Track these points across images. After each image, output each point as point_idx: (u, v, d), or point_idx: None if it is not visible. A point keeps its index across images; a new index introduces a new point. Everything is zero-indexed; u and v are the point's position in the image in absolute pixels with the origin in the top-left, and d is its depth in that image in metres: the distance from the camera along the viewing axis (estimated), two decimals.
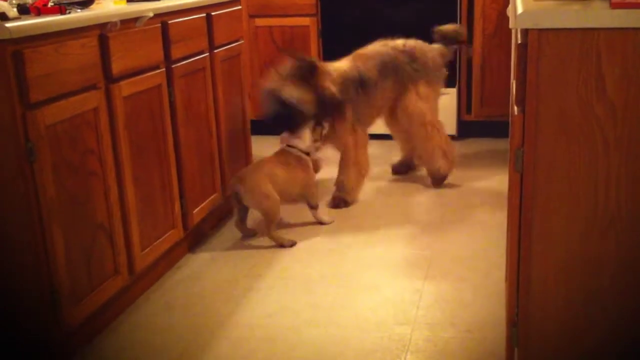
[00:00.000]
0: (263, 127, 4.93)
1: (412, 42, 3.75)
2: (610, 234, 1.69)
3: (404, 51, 3.69)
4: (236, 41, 3.45)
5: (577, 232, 1.70)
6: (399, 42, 3.74)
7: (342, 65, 3.54)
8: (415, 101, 3.70)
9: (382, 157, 4.27)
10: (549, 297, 1.76)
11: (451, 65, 4.58)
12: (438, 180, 3.82)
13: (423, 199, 3.65)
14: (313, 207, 3.34)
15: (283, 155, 3.29)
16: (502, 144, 4.46)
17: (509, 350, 1.92)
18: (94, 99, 2.32)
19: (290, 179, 3.21)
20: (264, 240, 3.22)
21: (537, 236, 1.73)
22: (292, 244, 3.11)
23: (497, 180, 3.88)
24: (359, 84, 3.52)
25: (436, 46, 3.84)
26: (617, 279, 1.71)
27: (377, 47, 3.68)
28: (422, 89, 3.71)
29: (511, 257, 1.85)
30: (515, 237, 1.80)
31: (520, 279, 1.79)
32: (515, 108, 1.78)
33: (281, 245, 3.10)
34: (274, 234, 3.11)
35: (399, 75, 3.66)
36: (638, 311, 1.72)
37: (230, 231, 3.37)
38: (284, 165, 3.21)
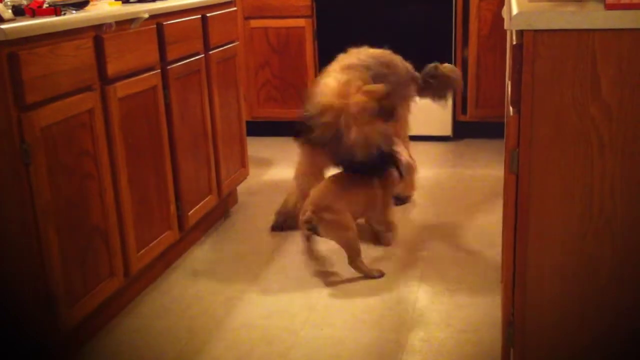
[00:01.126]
0: (262, 129, 4.91)
1: (381, 52, 3.35)
2: (606, 234, 1.69)
3: (382, 62, 3.29)
4: (231, 42, 3.45)
5: (572, 232, 1.71)
6: (372, 51, 3.33)
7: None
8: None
9: None
10: (545, 298, 1.77)
11: None
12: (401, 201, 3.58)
13: (418, 199, 3.65)
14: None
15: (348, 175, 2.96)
16: (497, 145, 4.47)
17: (505, 351, 1.92)
18: (89, 100, 2.32)
19: (365, 200, 2.94)
20: (259, 242, 3.22)
21: (533, 237, 1.73)
22: (381, 275, 2.81)
23: (493, 181, 3.88)
24: None
25: (406, 64, 3.46)
26: (612, 280, 1.72)
27: (361, 57, 3.24)
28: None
29: (507, 258, 1.86)
30: (511, 237, 1.80)
31: (516, 279, 1.79)
32: (511, 109, 1.78)
33: (371, 276, 2.80)
34: (360, 266, 2.82)
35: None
36: (633, 312, 1.73)
37: (225, 232, 3.37)
38: (355, 186, 2.91)
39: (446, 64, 3.60)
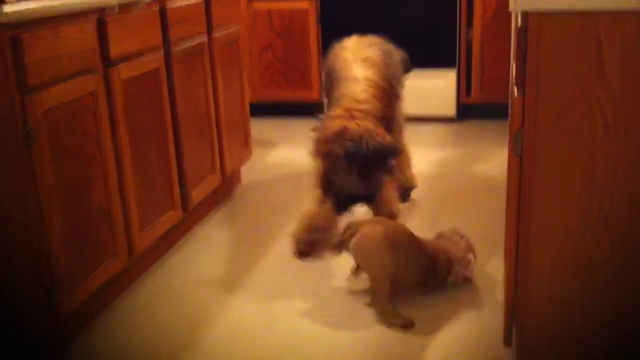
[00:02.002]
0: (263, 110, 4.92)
1: (377, 39, 3.17)
2: (609, 215, 1.69)
3: (386, 51, 3.12)
4: (234, 25, 3.44)
5: (575, 214, 1.71)
6: (372, 39, 3.15)
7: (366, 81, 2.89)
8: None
9: None
10: (545, 287, 1.77)
11: (451, 48, 4.58)
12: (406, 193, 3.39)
13: (422, 182, 3.65)
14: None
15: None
16: (501, 127, 4.46)
17: (507, 331, 1.93)
18: (92, 82, 2.31)
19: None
20: (262, 222, 3.23)
21: (536, 219, 1.74)
22: (408, 325, 2.34)
23: (497, 163, 3.88)
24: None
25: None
26: (612, 275, 1.72)
27: (375, 50, 3.05)
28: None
29: (509, 241, 1.86)
30: (514, 220, 1.80)
31: (518, 263, 1.79)
32: (515, 90, 1.78)
33: (398, 325, 2.34)
34: (384, 310, 2.39)
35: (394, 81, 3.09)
36: (633, 307, 1.73)
37: (229, 213, 3.37)
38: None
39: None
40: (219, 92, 3.27)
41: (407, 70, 3.38)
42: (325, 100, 3.29)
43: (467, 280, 2.55)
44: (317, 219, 2.80)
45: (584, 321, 1.77)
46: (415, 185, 3.44)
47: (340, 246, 2.45)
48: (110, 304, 2.57)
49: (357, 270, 2.58)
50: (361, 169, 2.66)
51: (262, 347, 2.28)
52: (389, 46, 3.20)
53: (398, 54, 3.26)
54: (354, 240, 2.37)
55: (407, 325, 2.31)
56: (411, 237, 2.45)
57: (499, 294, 2.49)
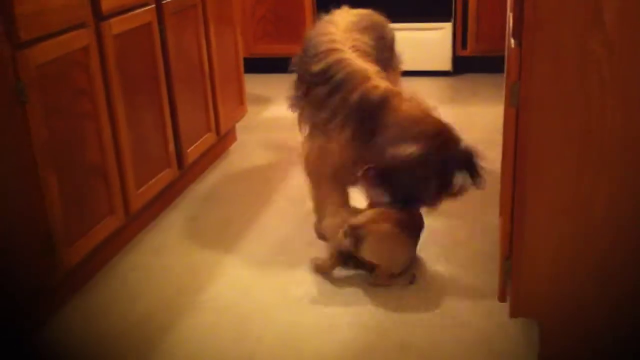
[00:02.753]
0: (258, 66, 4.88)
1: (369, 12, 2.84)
2: (604, 171, 1.69)
3: (377, 23, 2.80)
4: None
5: (571, 168, 1.71)
6: (359, 10, 2.80)
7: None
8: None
9: None
10: (542, 233, 1.78)
11: (447, 0, 4.52)
12: None
13: None
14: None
15: None
16: (497, 80, 4.43)
17: (502, 284, 1.95)
18: (83, 37, 2.28)
19: None
20: (259, 180, 3.23)
21: (532, 171, 1.73)
22: (410, 281, 2.35)
23: (493, 116, 3.86)
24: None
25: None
26: (608, 216, 1.72)
27: (363, 18, 2.72)
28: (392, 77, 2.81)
29: (505, 193, 1.86)
30: (510, 172, 1.80)
31: (514, 215, 1.80)
32: (512, 41, 1.76)
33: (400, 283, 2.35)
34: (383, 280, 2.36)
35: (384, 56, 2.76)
36: (627, 247, 1.74)
37: (225, 170, 3.37)
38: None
39: None
40: (212, 47, 3.23)
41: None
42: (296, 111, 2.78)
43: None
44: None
45: (579, 263, 1.78)
46: None
47: (350, 250, 2.32)
48: (109, 262, 2.58)
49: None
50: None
51: (257, 307, 2.30)
52: (382, 22, 2.83)
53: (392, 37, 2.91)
54: (367, 243, 2.28)
55: (412, 280, 2.34)
56: (409, 220, 2.37)
57: (494, 247, 2.51)
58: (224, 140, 3.55)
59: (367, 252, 2.30)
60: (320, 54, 2.49)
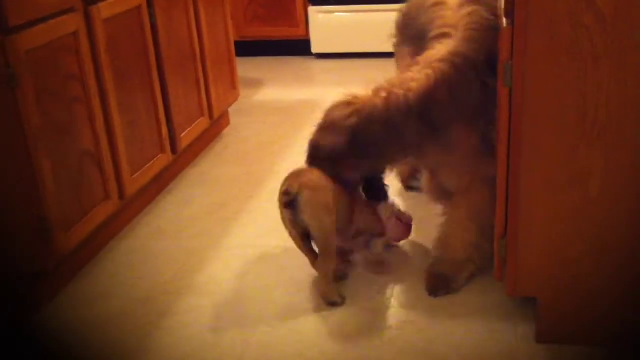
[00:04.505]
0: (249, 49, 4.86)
1: None
2: (599, 145, 1.69)
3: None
4: None
5: (566, 144, 1.71)
6: None
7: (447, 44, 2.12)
8: None
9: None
10: (537, 210, 1.78)
11: None
12: None
13: None
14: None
15: None
16: None
17: (498, 263, 1.95)
18: (72, 22, 2.26)
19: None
20: (253, 164, 3.22)
21: (526, 150, 1.74)
22: (338, 303, 2.16)
23: None
24: (482, 68, 2.07)
25: None
26: (603, 191, 1.73)
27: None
28: None
29: (500, 172, 1.86)
30: (505, 151, 1.80)
31: (509, 193, 1.80)
32: (504, 20, 1.75)
33: (327, 301, 2.16)
34: (323, 277, 2.16)
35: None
36: (623, 222, 1.75)
37: (219, 154, 3.36)
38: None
39: None
40: (203, 31, 3.21)
41: None
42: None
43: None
44: None
45: (575, 239, 1.78)
46: None
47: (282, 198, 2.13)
48: (105, 247, 2.58)
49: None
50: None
51: (253, 288, 2.30)
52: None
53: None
54: (302, 199, 2.09)
55: (340, 302, 2.14)
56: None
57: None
58: (217, 124, 3.54)
59: (306, 211, 2.07)
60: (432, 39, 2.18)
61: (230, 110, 3.74)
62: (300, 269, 2.35)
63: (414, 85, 2.05)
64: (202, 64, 3.21)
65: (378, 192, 2.33)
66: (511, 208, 1.81)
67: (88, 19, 2.34)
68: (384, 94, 2.07)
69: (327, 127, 2.15)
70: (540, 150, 1.73)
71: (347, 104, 2.12)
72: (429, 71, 2.06)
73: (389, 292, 2.21)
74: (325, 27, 4.75)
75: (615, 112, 1.66)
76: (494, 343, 1.94)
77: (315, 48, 4.82)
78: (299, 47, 4.89)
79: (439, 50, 2.10)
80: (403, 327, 2.04)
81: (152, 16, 2.76)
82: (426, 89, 2.04)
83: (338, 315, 2.11)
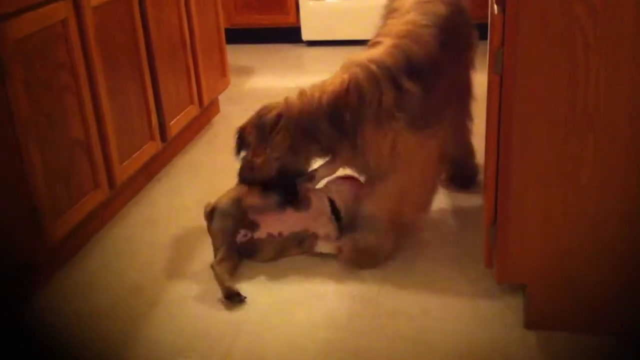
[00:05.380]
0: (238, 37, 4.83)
1: None
2: (589, 134, 1.70)
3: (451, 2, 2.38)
4: None
5: (556, 133, 1.71)
6: None
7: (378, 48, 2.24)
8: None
9: None
10: (528, 199, 1.79)
11: None
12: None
13: None
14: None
15: None
16: (481, 47, 4.41)
17: (488, 251, 1.96)
18: (62, 10, 2.24)
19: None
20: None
21: (517, 138, 1.74)
22: (231, 296, 2.15)
23: (476, 83, 3.85)
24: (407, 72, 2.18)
25: None
26: (594, 179, 1.74)
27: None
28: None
29: (490, 160, 1.87)
30: (494, 140, 1.80)
31: (499, 181, 1.81)
32: (495, 7, 1.75)
33: (222, 287, 2.17)
34: (216, 268, 2.24)
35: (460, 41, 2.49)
36: (613, 210, 1.76)
37: (208, 143, 3.35)
38: None
39: None
40: (193, 18, 3.19)
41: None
42: None
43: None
44: None
45: (566, 227, 1.79)
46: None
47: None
48: (95, 235, 2.57)
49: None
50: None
51: (244, 276, 2.30)
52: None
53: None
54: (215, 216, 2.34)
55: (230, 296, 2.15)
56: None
57: (480, 213, 2.53)
58: (207, 112, 3.53)
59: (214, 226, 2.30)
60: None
61: (220, 98, 3.73)
62: (289, 258, 2.35)
63: (329, 88, 2.20)
64: (192, 52, 3.20)
65: (292, 192, 2.37)
66: (501, 196, 1.81)
67: (77, 6, 2.33)
68: (303, 96, 2.26)
69: (255, 123, 2.34)
70: (531, 138, 1.73)
71: (275, 105, 2.31)
72: (345, 75, 2.20)
73: (378, 281, 2.22)
74: (316, 14, 4.74)
75: (606, 102, 1.67)
76: (484, 330, 1.96)
77: (305, 35, 4.80)
78: (290, 35, 4.87)
79: (360, 55, 2.24)
80: (393, 316, 2.05)
81: (141, 4, 2.74)
82: (339, 92, 2.18)
83: (329, 304, 2.12)
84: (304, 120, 2.24)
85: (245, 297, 2.15)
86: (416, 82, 2.16)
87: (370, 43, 2.35)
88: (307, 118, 2.23)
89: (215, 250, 2.31)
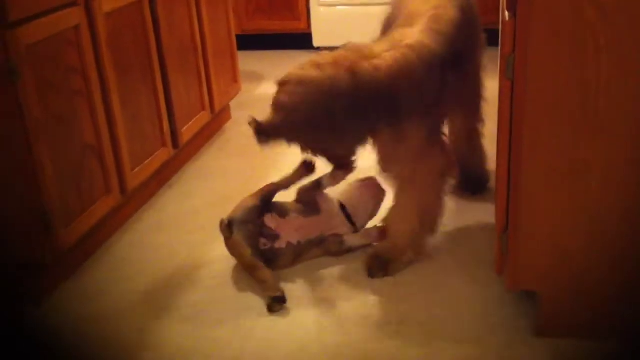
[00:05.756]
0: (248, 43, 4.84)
1: None
2: (600, 139, 1.69)
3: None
4: None
5: (567, 138, 1.71)
6: None
7: (410, 33, 2.10)
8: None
9: None
10: (539, 204, 1.78)
11: None
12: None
13: None
14: None
15: None
16: (491, 54, 4.41)
17: (499, 258, 1.95)
18: (74, 16, 2.26)
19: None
20: (254, 158, 3.22)
21: (528, 143, 1.73)
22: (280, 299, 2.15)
23: (488, 89, 3.84)
24: (444, 63, 2.08)
25: None
26: (604, 184, 1.73)
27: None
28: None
29: (501, 165, 1.86)
30: (506, 145, 1.80)
31: (510, 186, 1.80)
32: (507, 13, 1.75)
33: (269, 295, 2.16)
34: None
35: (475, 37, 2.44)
36: (623, 215, 1.75)
37: (220, 149, 3.36)
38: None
39: None
40: (205, 24, 3.20)
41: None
42: None
43: None
44: None
45: (577, 233, 1.78)
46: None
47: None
48: (106, 241, 2.58)
49: None
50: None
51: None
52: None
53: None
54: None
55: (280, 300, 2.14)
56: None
57: (490, 218, 2.52)
58: (218, 118, 3.54)
59: (235, 237, 2.26)
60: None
61: (231, 104, 3.74)
62: (302, 264, 2.35)
63: (381, 64, 1.97)
64: (203, 58, 3.21)
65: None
66: (512, 202, 1.80)
67: (89, 13, 2.34)
68: (351, 68, 1.96)
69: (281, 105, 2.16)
70: (542, 144, 1.72)
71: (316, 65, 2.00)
72: (398, 55, 1.99)
73: (388, 286, 2.21)
74: (327, 20, 4.74)
75: (616, 106, 1.66)
76: (494, 337, 1.94)
77: (317, 42, 4.81)
78: (301, 41, 4.88)
79: (406, 35, 2.04)
80: (403, 321, 2.04)
81: (153, 10, 2.75)
82: (396, 71, 1.97)
83: (339, 309, 2.11)
84: (359, 96, 1.96)
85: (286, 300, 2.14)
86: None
87: (400, 23, 2.18)
88: (363, 94, 1.96)
89: (241, 259, 2.28)
